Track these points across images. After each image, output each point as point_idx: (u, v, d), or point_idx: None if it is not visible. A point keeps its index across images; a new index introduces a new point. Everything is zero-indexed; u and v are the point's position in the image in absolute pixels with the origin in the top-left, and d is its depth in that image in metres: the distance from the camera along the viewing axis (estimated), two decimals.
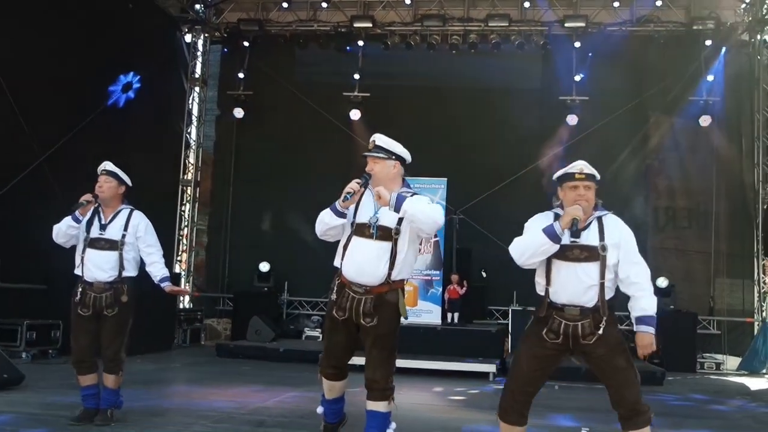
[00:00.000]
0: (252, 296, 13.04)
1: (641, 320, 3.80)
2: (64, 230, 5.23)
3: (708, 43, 12.55)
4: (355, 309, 4.19)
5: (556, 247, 3.74)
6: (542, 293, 3.88)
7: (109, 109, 11.63)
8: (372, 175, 4.25)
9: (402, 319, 4.34)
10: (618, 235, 3.84)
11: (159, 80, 13.12)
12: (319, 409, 4.58)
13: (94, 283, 5.15)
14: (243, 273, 13.76)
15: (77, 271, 5.25)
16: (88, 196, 5.22)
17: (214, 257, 14.49)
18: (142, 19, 12.47)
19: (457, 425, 6.07)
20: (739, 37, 12.74)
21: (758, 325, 12.30)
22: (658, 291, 11.55)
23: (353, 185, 4.17)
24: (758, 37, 12.75)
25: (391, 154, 4.30)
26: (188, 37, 14.54)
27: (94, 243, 5.20)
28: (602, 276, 3.76)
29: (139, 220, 5.37)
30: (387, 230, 4.16)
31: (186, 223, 14.49)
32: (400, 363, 9.46)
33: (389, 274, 4.16)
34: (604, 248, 3.78)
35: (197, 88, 14.74)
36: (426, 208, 4.09)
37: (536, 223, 3.94)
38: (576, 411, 7.18)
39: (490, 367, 9.50)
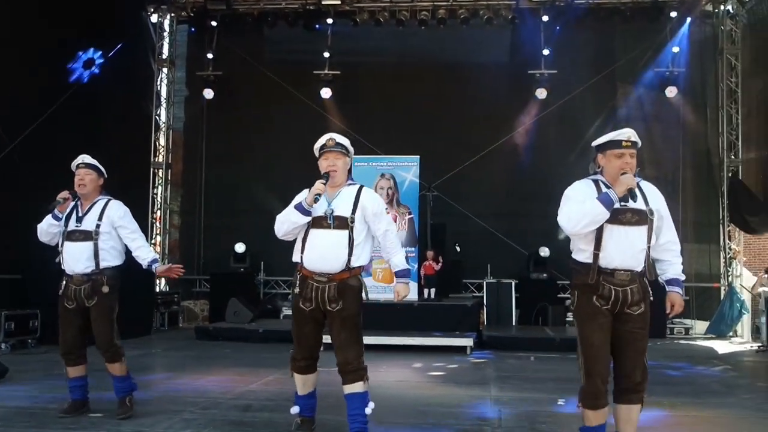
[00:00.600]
0: (228, 277, 13.09)
1: (675, 282, 4.00)
2: (46, 229, 5.25)
3: (673, 14, 12.70)
4: (320, 297, 4.39)
5: (608, 214, 3.79)
6: (589, 260, 3.90)
7: (77, 94, 11.45)
8: (330, 174, 4.45)
9: (365, 297, 4.55)
10: (658, 201, 3.96)
11: (126, 62, 12.92)
12: (294, 409, 4.67)
13: (73, 276, 5.18)
14: (219, 254, 13.77)
15: (61, 265, 5.28)
16: (64, 194, 5.22)
17: (189, 239, 14.48)
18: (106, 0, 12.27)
19: (438, 402, 6.21)
20: (703, 8, 12.92)
21: (725, 289, 12.68)
22: (540, 259, 11.98)
23: (320, 186, 4.40)
24: (721, 7, 12.98)
25: (348, 151, 4.59)
26: (154, 18, 14.36)
27: (70, 235, 5.21)
28: (649, 240, 3.88)
29: (116, 209, 5.34)
30: (343, 219, 4.41)
31: (159, 206, 14.43)
32: (380, 340, 9.71)
33: (349, 261, 4.39)
34: (652, 212, 3.87)
35: (165, 69, 14.61)
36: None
37: (580, 192, 3.98)
38: (552, 381, 7.39)
39: (468, 341, 9.69)
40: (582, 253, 3.96)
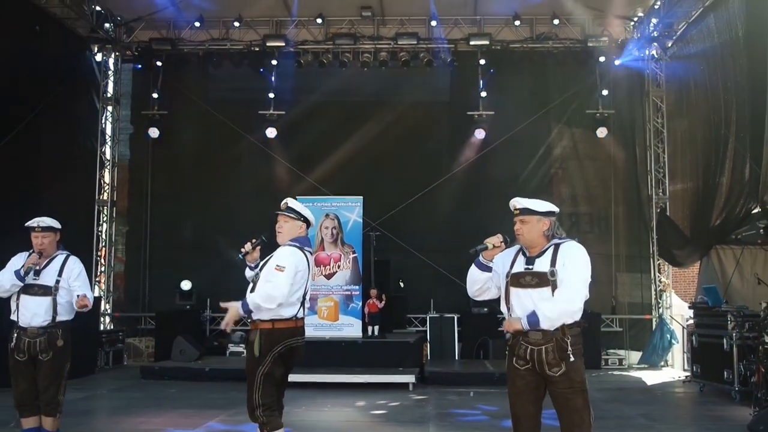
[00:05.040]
0: (174, 315, 13.12)
1: (531, 313, 3.93)
2: (8, 287, 5.37)
3: (602, 59, 13.35)
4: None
5: (487, 275, 4.12)
6: None
7: (20, 133, 11.43)
8: (262, 238, 5.04)
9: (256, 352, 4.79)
10: (565, 258, 4.02)
11: (70, 101, 13.00)
12: None
13: (28, 329, 5.31)
14: (164, 292, 13.77)
15: (12, 317, 5.40)
16: (34, 258, 5.39)
17: (134, 277, 14.40)
18: (50, 40, 12.33)
19: None
20: (629, 52, 13.59)
21: (656, 321, 13.27)
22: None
23: (247, 246, 5.02)
24: (646, 52, 13.68)
25: (296, 214, 4.99)
26: (99, 57, 14.43)
27: (27, 289, 5.35)
28: None
29: (74, 265, 5.53)
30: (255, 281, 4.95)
31: (103, 244, 14.39)
32: (325, 378, 9.90)
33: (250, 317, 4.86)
34: (553, 273, 3.98)
35: (110, 108, 14.63)
36: (257, 300, 4.71)
37: (498, 258, 4.20)
38: (490, 417, 7.71)
39: (410, 378, 10.00)
40: (505, 314, 4.18)
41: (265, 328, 4.76)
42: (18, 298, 5.38)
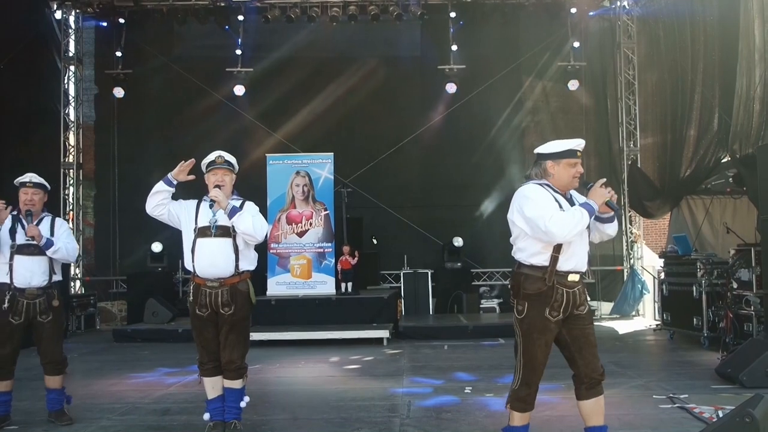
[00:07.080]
0: (146, 277, 12.99)
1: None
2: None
3: (573, 10, 13.20)
4: (214, 302, 4.82)
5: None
6: (546, 263, 3.92)
7: None
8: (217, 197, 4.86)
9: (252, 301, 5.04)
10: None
11: (30, 61, 12.60)
12: (206, 416, 5.00)
13: (26, 290, 5.27)
14: (135, 254, 13.62)
15: (4, 279, 5.29)
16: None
17: (104, 240, 14.17)
18: None
19: (352, 396, 6.47)
20: (600, 3, 13.47)
21: (627, 272, 13.41)
22: (454, 249, 12.29)
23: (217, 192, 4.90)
24: (618, 3, 13.57)
25: (234, 168, 5.05)
26: (58, 14, 13.98)
27: (22, 249, 5.29)
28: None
29: (62, 224, 5.59)
30: (225, 228, 4.85)
31: (71, 208, 14.14)
32: (298, 336, 9.91)
33: (237, 266, 4.85)
34: None
35: (72, 67, 14.24)
36: (250, 226, 4.79)
37: (544, 197, 3.93)
38: (462, 370, 7.75)
39: (384, 333, 10.02)
40: (539, 256, 3.96)
41: (248, 278, 4.96)
42: (11, 259, 5.28)
